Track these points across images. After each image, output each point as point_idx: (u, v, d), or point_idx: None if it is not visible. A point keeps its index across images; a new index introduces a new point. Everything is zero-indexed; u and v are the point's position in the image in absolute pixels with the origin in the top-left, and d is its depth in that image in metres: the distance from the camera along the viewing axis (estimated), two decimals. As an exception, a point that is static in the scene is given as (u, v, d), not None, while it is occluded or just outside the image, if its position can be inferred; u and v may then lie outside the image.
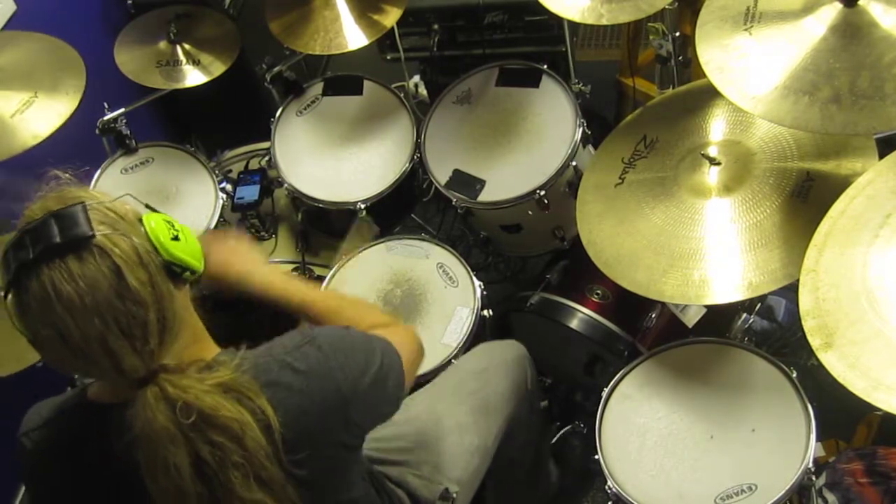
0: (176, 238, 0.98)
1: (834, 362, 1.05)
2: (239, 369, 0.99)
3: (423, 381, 1.70)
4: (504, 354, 1.68)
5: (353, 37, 2.06)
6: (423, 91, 2.76)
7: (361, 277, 1.92)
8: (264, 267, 1.34)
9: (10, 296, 0.92)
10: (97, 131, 2.11)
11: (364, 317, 1.28)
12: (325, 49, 2.06)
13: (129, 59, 2.14)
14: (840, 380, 1.03)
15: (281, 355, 1.04)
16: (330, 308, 1.30)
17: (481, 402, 1.56)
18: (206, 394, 0.94)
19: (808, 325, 1.10)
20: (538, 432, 1.81)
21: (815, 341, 1.08)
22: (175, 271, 0.97)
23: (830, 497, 1.57)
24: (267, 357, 1.04)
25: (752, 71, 1.32)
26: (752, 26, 1.37)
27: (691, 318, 1.83)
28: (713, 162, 1.53)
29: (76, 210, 0.92)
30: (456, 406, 1.54)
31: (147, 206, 1.08)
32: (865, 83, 1.22)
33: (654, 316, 1.84)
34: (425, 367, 1.70)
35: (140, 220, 0.97)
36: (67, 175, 1.01)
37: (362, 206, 2.04)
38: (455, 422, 1.51)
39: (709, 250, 1.46)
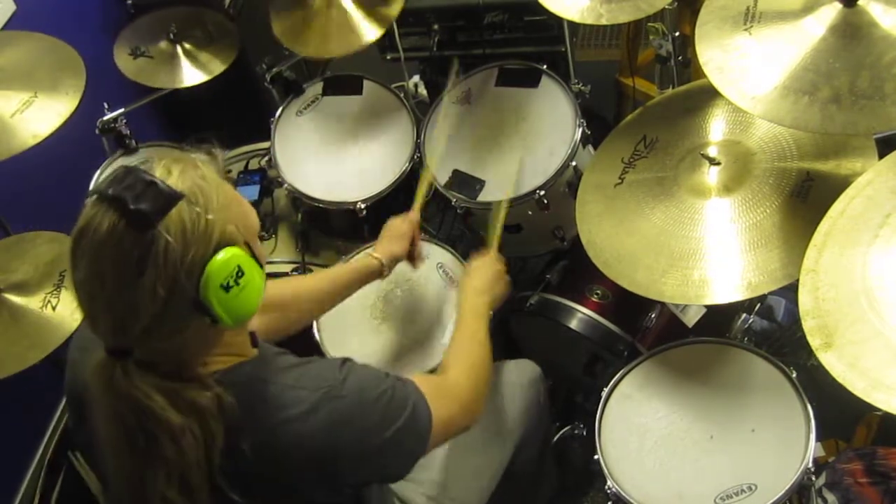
0: (227, 287, 0.94)
1: (834, 362, 1.05)
2: (223, 388, 0.97)
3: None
4: (518, 378, 1.68)
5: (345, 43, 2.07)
6: (423, 91, 2.76)
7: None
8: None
9: (90, 199, 0.95)
10: (97, 131, 2.11)
11: (458, 359, 1.34)
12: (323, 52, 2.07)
13: (129, 59, 2.14)
14: (840, 380, 1.03)
15: (297, 388, 1.01)
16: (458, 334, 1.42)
17: (494, 426, 1.56)
18: (155, 396, 0.93)
19: (807, 325, 1.10)
20: (543, 441, 1.81)
21: (815, 341, 1.08)
22: (199, 311, 0.94)
23: (830, 497, 1.57)
24: (282, 384, 1.01)
25: (752, 71, 1.32)
26: (751, 26, 1.37)
27: (691, 318, 1.83)
28: (713, 162, 1.53)
29: (171, 197, 0.92)
30: None
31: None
32: (865, 83, 1.22)
33: (653, 316, 1.84)
34: (424, 368, 1.70)
35: (219, 248, 0.94)
36: (219, 155, 1.02)
37: (362, 206, 2.04)
38: (466, 443, 1.48)
39: (708, 250, 1.46)
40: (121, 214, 0.90)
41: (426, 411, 1.12)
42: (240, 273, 0.95)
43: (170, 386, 0.94)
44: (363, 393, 1.05)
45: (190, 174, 0.96)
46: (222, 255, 0.94)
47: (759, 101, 1.28)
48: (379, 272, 1.62)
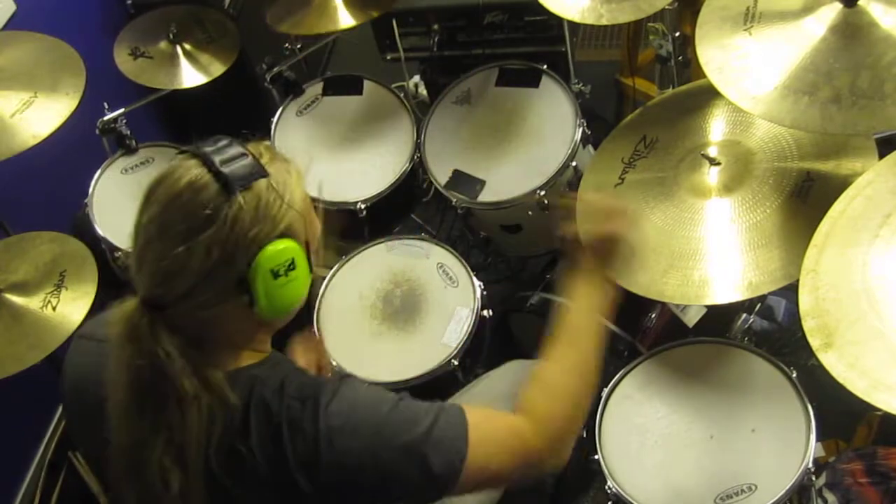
0: (276, 274, 0.95)
1: (834, 362, 1.05)
2: (233, 382, 0.96)
3: (423, 381, 1.70)
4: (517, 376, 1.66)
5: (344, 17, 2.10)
6: (423, 91, 2.76)
7: (362, 277, 1.92)
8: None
9: (179, 154, 0.98)
10: (97, 131, 2.11)
11: (538, 388, 1.17)
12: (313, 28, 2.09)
13: (129, 59, 2.14)
14: (840, 380, 1.03)
15: (294, 399, 0.98)
16: (557, 348, 1.26)
17: None
18: (175, 359, 0.93)
19: (808, 325, 1.10)
20: None
21: (815, 341, 1.08)
22: (241, 288, 0.95)
23: (830, 497, 1.57)
24: (278, 392, 0.99)
25: (752, 71, 1.32)
26: (752, 26, 1.37)
27: (691, 318, 1.82)
28: (713, 162, 1.53)
29: (257, 172, 0.95)
30: None
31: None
32: (865, 83, 1.22)
33: (654, 316, 1.83)
34: (424, 368, 1.70)
35: (282, 236, 0.95)
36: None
37: (362, 206, 2.04)
38: None
39: (709, 250, 1.46)
40: (206, 171, 0.93)
41: (454, 442, 1.01)
42: (291, 266, 0.97)
43: (191, 355, 0.95)
44: (354, 411, 0.99)
45: (281, 164, 0.99)
46: (282, 243, 0.95)
47: (760, 101, 1.28)
48: None
